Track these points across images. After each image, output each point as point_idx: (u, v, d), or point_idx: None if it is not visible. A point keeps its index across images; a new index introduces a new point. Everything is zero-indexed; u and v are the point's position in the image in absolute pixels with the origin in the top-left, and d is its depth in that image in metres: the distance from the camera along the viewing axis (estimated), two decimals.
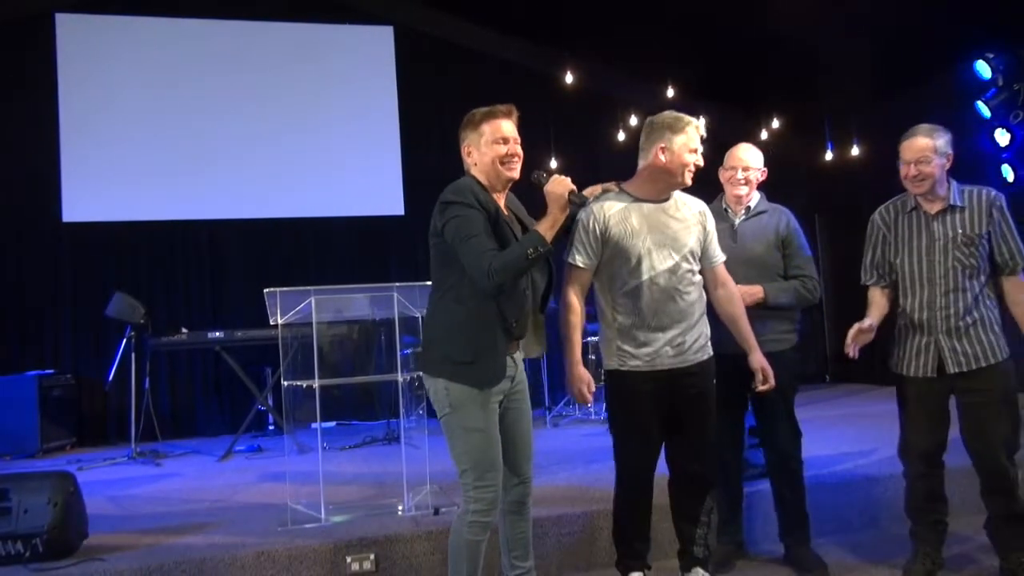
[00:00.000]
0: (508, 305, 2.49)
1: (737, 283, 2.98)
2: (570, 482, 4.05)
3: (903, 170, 2.90)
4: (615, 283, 2.75)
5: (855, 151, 7.90)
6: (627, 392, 2.76)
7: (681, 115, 2.77)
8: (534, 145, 8.26)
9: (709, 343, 2.83)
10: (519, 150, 2.58)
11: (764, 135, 8.23)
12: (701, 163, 2.76)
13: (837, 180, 8.34)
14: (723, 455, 3.05)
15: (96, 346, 7.02)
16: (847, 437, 4.89)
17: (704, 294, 2.84)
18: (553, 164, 7.93)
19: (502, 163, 2.54)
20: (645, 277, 2.70)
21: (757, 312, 3.04)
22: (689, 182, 2.77)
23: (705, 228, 2.85)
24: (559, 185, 2.48)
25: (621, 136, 7.88)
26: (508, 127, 2.56)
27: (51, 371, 6.71)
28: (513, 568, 2.66)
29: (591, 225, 2.75)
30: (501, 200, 2.60)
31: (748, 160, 3.21)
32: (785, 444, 3.17)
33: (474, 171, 2.58)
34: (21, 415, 6.26)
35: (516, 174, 2.58)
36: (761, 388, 2.86)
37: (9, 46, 7.09)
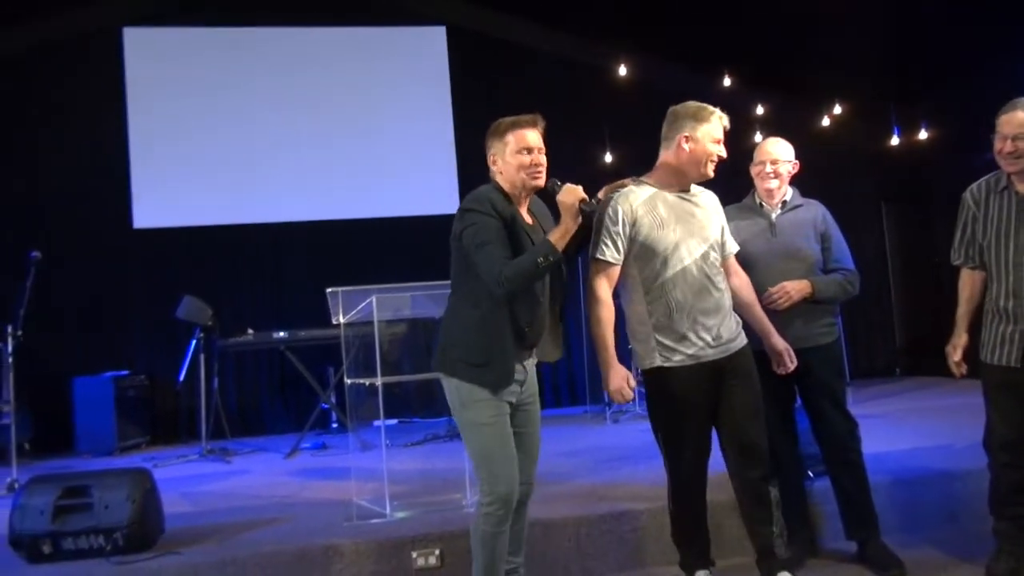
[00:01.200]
0: (520, 309, 2.54)
1: (780, 278, 2.99)
2: (632, 478, 4.01)
3: (998, 144, 2.76)
4: (647, 276, 2.70)
5: (923, 135, 7.62)
6: (673, 390, 2.69)
7: (705, 104, 2.74)
8: (588, 141, 8.28)
9: (742, 331, 2.80)
10: (543, 159, 2.62)
11: (826, 122, 8.01)
12: (724, 154, 2.73)
13: (904, 166, 8.07)
14: (778, 450, 2.99)
15: (167, 347, 7.24)
16: (921, 432, 4.73)
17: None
18: (608, 159, 7.87)
19: (527, 172, 2.59)
20: (678, 268, 2.66)
21: (804, 307, 3.02)
22: (712, 174, 2.74)
23: (721, 217, 2.85)
24: (569, 195, 2.51)
25: None
26: (533, 137, 2.61)
27: (126, 372, 6.96)
28: (506, 563, 2.67)
29: (619, 217, 2.69)
30: (524, 207, 2.66)
31: (777, 153, 3.15)
32: (840, 435, 3.10)
33: (499, 179, 2.64)
34: (99, 415, 6.52)
35: (541, 182, 2.62)
36: (780, 370, 2.88)
37: (80, 61, 7.38)
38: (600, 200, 2.67)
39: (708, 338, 2.67)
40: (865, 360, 8.47)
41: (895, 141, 7.90)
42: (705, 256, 2.70)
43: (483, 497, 2.54)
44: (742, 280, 2.90)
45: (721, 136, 2.72)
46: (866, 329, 8.52)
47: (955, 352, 2.95)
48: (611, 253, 2.70)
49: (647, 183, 2.76)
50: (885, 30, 6.74)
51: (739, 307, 2.87)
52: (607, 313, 2.71)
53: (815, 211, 3.19)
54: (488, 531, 2.54)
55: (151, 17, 7.63)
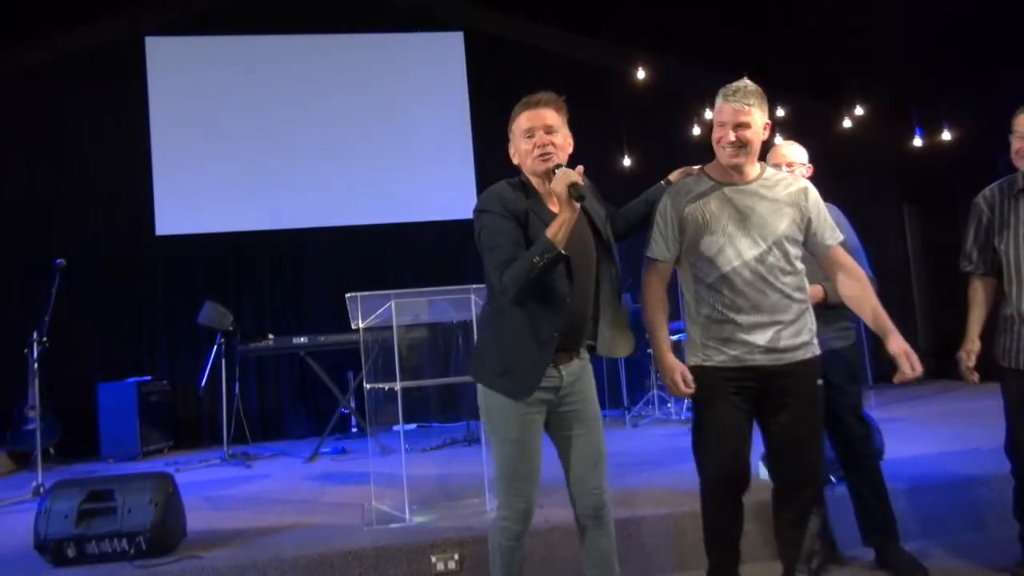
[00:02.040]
0: (541, 315, 2.34)
1: None
2: (652, 483, 3.99)
3: (1015, 145, 2.73)
4: (697, 275, 2.55)
5: (946, 136, 7.53)
6: (710, 391, 2.50)
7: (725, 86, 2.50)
8: (607, 143, 8.25)
9: (815, 340, 2.55)
10: (550, 138, 2.39)
11: (848, 123, 7.94)
12: (731, 138, 2.45)
13: (927, 167, 7.97)
14: None
15: (189, 353, 7.33)
16: (946, 436, 4.67)
17: (807, 285, 2.57)
18: (626, 162, 7.85)
19: (533, 158, 2.40)
20: (728, 267, 2.46)
21: (818, 311, 2.85)
22: (728, 160, 2.49)
23: (806, 209, 2.54)
24: (559, 182, 2.29)
25: (696, 131, 7.74)
26: (533, 117, 2.41)
27: (148, 378, 7.04)
28: None
29: (668, 213, 2.57)
30: (554, 196, 2.41)
31: (791, 156, 3.11)
32: (856, 440, 3.05)
33: (523, 169, 2.49)
34: (123, 420, 6.58)
35: (550, 165, 2.38)
36: (906, 376, 2.47)
37: (103, 70, 7.50)
38: (671, 181, 2.48)
39: (758, 343, 2.46)
40: (888, 363, 8.33)
41: (918, 142, 7.81)
42: (762, 257, 2.46)
43: (500, 510, 2.46)
44: (847, 273, 2.59)
45: (724, 118, 2.46)
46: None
47: (968, 358, 2.88)
48: (659, 251, 2.59)
49: (707, 175, 2.60)
50: (907, 30, 6.67)
51: (849, 303, 2.63)
52: (657, 310, 2.60)
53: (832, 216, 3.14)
54: (504, 544, 2.46)
55: (173, 26, 7.73)
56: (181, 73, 7.67)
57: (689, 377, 2.50)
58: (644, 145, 7.91)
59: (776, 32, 7.11)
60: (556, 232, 2.26)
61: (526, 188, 2.46)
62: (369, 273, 7.59)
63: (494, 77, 7.99)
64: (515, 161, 2.51)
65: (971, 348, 2.89)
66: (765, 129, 2.50)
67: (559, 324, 2.36)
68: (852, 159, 8.16)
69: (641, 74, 7.55)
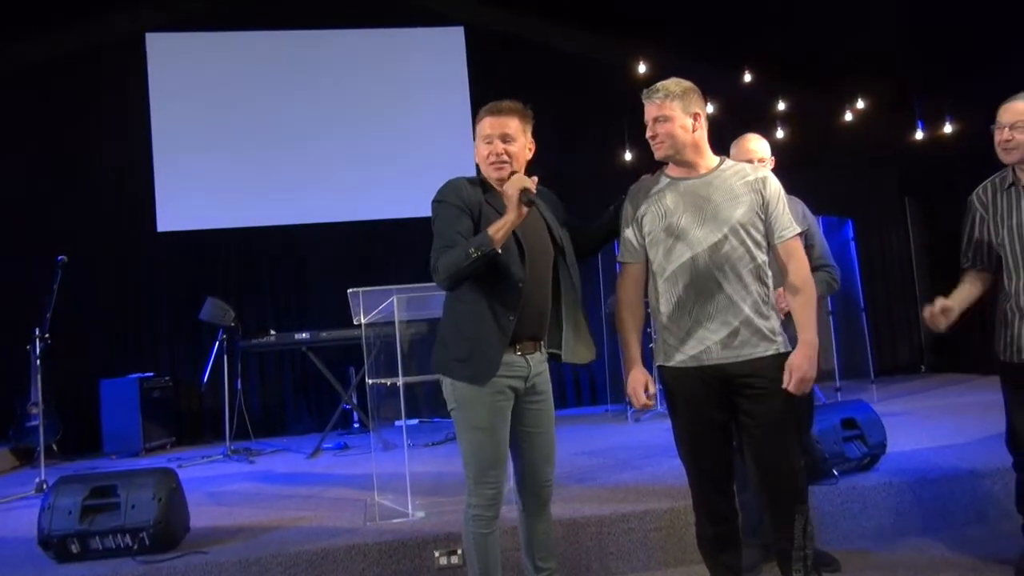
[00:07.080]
0: (496, 300, 2.43)
1: None
2: (654, 477, 4.00)
3: (997, 135, 2.74)
4: (657, 270, 2.51)
5: (948, 129, 7.51)
6: (674, 392, 2.51)
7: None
8: (610, 138, 8.18)
9: (783, 336, 2.46)
10: (505, 147, 2.49)
11: (849, 116, 7.92)
12: (650, 133, 2.54)
13: (928, 159, 7.96)
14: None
15: (191, 349, 7.33)
16: (948, 429, 4.67)
17: (769, 275, 2.48)
18: (628, 157, 7.84)
19: (488, 163, 2.51)
20: (682, 259, 2.43)
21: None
22: (658, 156, 2.55)
23: (763, 197, 2.46)
24: (511, 185, 2.38)
25: None
26: (494, 124, 2.50)
27: (150, 374, 7.04)
28: (537, 571, 2.62)
29: (628, 213, 2.59)
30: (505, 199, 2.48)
31: (758, 151, 3.05)
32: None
33: (481, 170, 2.58)
34: (125, 416, 6.59)
35: (503, 174, 2.48)
36: (784, 386, 2.38)
37: (104, 66, 7.48)
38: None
39: (715, 338, 2.40)
40: (890, 357, 8.37)
41: (919, 135, 7.79)
42: (718, 246, 2.41)
43: (470, 498, 2.50)
44: (791, 271, 2.47)
45: (646, 117, 2.54)
46: (890, 326, 8.42)
47: (935, 304, 2.75)
48: (627, 253, 2.61)
49: (665, 173, 2.61)
50: (909, 22, 6.65)
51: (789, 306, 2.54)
52: (626, 313, 2.59)
53: (795, 208, 3.00)
54: (478, 533, 2.50)
55: (174, 22, 7.71)
56: (182, 69, 7.65)
57: (652, 390, 2.52)
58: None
59: (777, 25, 7.08)
60: (497, 230, 2.34)
61: (484, 184, 2.55)
62: (371, 268, 7.58)
63: (495, 72, 7.96)
64: (476, 160, 2.59)
65: (944, 303, 2.76)
66: (696, 120, 2.49)
67: (515, 308, 2.43)
68: (854, 152, 8.15)
69: (643, 68, 7.53)
